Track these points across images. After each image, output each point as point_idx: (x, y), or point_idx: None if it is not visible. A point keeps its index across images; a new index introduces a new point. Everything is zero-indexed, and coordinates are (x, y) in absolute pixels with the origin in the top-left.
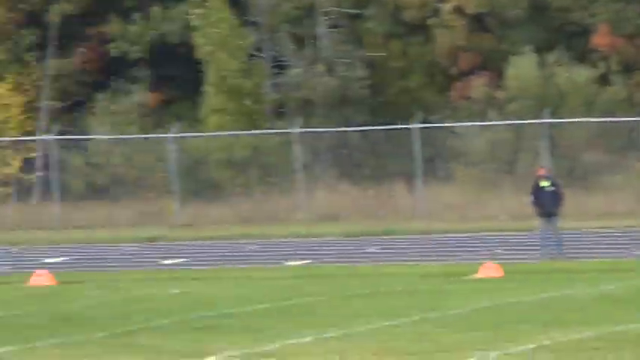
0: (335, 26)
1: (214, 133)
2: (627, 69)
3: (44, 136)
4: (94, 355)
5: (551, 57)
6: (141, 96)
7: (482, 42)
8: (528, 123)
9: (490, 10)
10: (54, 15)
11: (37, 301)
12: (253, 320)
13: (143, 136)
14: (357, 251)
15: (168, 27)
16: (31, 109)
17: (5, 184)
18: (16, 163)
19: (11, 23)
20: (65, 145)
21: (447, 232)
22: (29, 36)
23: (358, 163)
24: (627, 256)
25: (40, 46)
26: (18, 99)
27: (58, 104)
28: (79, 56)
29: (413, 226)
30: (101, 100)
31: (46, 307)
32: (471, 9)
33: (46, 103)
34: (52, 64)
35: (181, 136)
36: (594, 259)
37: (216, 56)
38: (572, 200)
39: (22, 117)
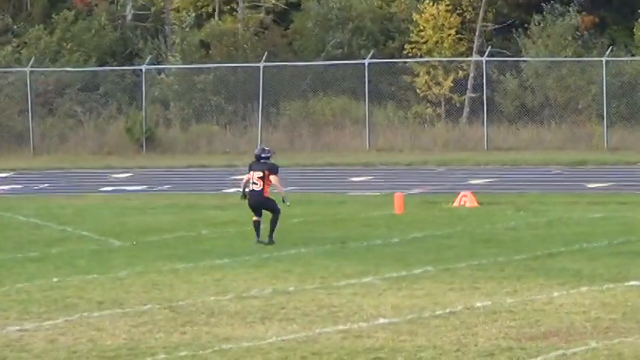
0: None
1: None
2: None
3: (477, 57)
4: (513, 277)
5: None
6: (575, 19)
7: None
8: None
9: None
10: None
11: (459, 222)
12: None
13: (575, 59)
14: None
15: None
16: (465, 29)
17: (435, 103)
18: (447, 83)
19: None
20: (497, 67)
21: None
22: None
23: None
24: None
25: None
26: (453, 19)
27: (492, 25)
28: None
29: None
30: (536, 22)
31: (468, 228)
32: None
33: (480, 24)
34: None
35: (613, 60)
36: None
37: None
38: None
39: (455, 37)
